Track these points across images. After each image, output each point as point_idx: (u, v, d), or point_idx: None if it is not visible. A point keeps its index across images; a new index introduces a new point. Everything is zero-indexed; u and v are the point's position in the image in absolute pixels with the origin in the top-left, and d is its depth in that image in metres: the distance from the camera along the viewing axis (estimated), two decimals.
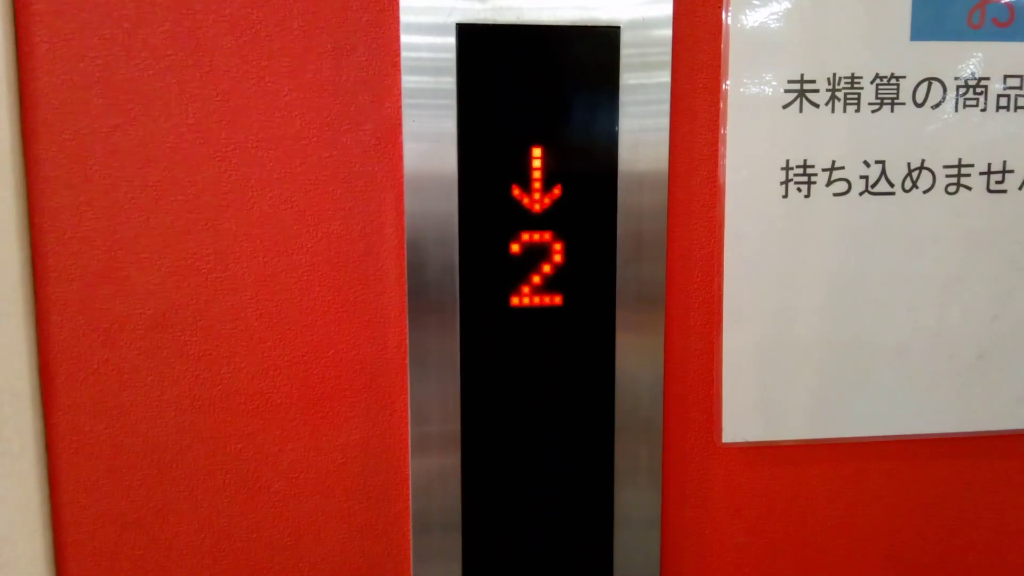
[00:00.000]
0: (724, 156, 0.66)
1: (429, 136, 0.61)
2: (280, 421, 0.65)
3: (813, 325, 0.68)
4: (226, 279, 0.63)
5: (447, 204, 0.62)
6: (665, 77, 0.63)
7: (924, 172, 0.67)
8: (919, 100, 0.67)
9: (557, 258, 0.63)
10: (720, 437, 0.68)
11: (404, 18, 0.60)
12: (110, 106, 0.59)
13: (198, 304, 0.62)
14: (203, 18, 0.59)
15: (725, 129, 0.65)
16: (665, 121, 0.64)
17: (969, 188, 0.68)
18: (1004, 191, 0.68)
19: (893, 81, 0.66)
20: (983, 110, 0.67)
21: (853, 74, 0.66)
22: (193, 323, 0.63)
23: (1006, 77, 0.67)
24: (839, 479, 0.72)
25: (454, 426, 0.64)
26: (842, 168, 0.67)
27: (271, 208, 0.62)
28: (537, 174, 0.62)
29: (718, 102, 0.65)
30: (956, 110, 0.67)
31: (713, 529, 0.71)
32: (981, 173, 0.68)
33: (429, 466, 0.64)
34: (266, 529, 0.66)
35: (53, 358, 0.62)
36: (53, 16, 0.58)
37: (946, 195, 0.68)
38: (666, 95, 0.64)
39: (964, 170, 0.68)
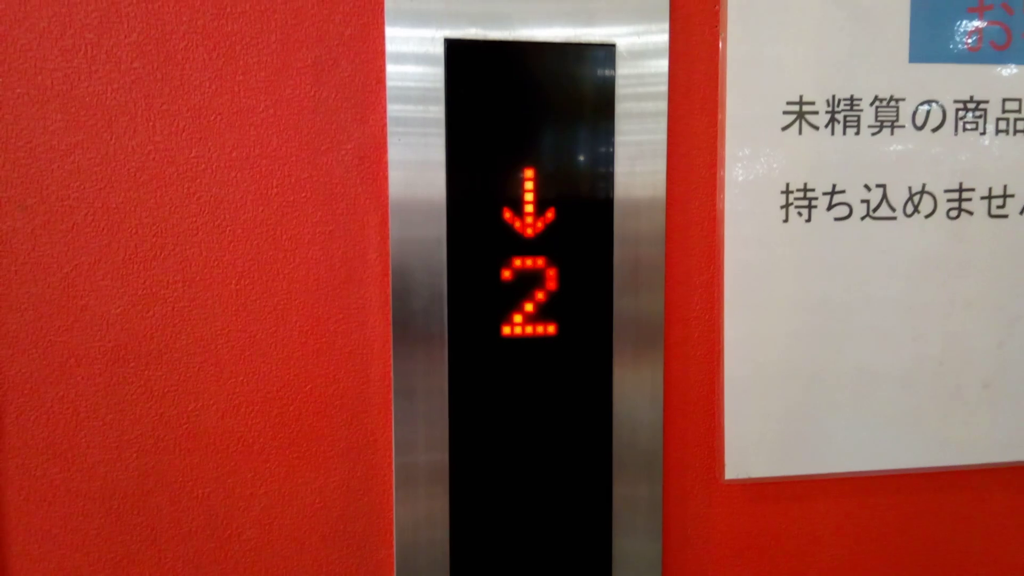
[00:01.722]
0: (723, 179, 0.63)
1: (416, 155, 0.58)
2: (252, 463, 0.60)
3: (816, 355, 0.66)
4: (194, 308, 0.58)
5: (435, 228, 0.58)
6: (662, 97, 0.61)
7: (925, 196, 0.66)
8: (919, 123, 0.65)
9: (551, 284, 0.60)
10: (723, 474, 0.65)
11: (390, 34, 0.57)
12: (70, 122, 0.55)
13: (163, 336, 0.58)
14: (173, 29, 0.56)
15: (724, 151, 0.63)
16: (662, 141, 0.61)
17: (971, 213, 0.67)
18: (1005, 216, 0.67)
19: (892, 103, 0.65)
20: (982, 133, 0.66)
21: (852, 96, 0.64)
22: (157, 356, 0.58)
23: (1004, 100, 0.66)
24: (844, 515, 0.69)
25: (442, 465, 0.60)
26: (843, 192, 0.65)
27: (244, 232, 0.58)
28: (529, 196, 0.59)
29: (716, 123, 0.63)
30: (956, 133, 0.66)
31: (716, 570, 0.67)
32: (982, 198, 0.67)
33: (415, 509, 0.60)
34: None
35: (2, 395, 0.57)
36: (9, 24, 0.54)
37: (948, 220, 0.66)
38: (663, 115, 0.61)
39: (965, 194, 0.67)
